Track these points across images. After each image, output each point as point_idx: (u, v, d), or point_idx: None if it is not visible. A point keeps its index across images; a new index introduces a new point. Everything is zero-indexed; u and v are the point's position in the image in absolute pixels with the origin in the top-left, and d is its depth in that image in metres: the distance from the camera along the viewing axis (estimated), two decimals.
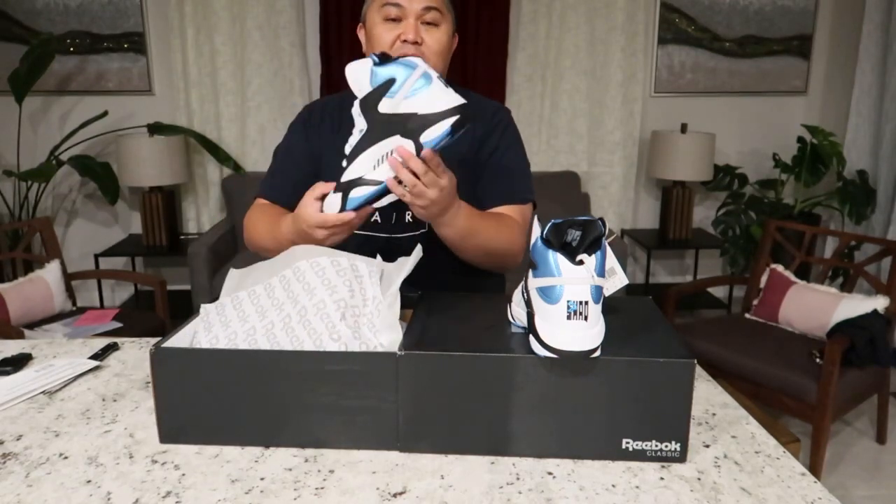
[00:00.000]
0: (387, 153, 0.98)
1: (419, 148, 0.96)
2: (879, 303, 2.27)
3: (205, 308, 1.00)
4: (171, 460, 0.87)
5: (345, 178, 1.02)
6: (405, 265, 0.97)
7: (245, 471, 0.85)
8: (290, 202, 1.21)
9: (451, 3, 1.27)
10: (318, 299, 0.92)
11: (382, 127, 0.98)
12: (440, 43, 1.23)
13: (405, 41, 1.19)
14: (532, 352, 0.84)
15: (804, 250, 2.64)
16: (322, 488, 0.81)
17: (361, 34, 1.29)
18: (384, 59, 1.00)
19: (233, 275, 1.07)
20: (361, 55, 1.25)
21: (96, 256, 3.28)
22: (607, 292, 0.97)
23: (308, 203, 1.06)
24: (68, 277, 2.68)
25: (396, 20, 1.21)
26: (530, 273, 0.83)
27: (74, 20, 3.39)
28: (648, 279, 3.65)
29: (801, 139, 3.35)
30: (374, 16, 1.23)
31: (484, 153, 1.30)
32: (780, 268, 2.58)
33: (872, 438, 2.50)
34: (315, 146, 1.33)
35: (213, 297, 2.14)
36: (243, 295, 0.98)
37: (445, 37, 1.24)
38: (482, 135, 1.30)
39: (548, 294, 0.79)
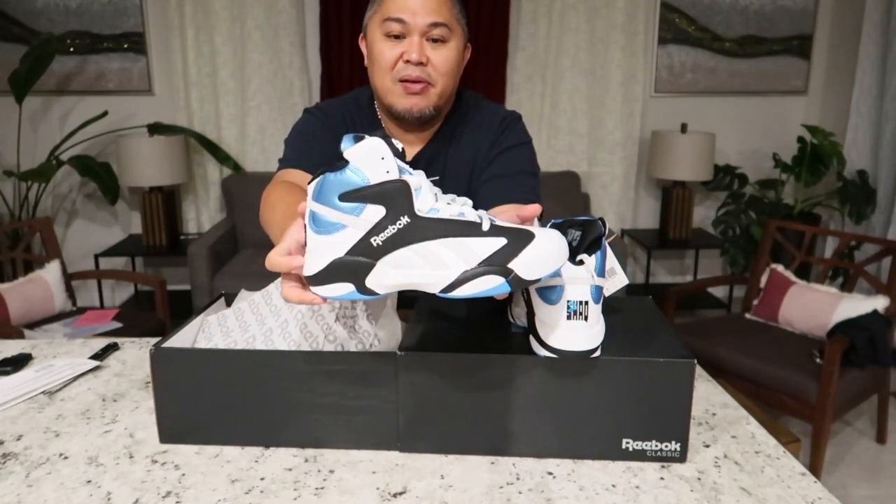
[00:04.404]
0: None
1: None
2: (879, 303, 2.27)
3: (207, 320, 1.01)
4: (171, 460, 0.87)
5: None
6: None
7: (245, 471, 0.85)
8: (317, 168, 1.13)
9: (461, 12, 1.16)
10: None
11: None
12: (448, 62, 1.13)
13: (408, 62, 1.10)
14: (532, 352, 0.84)
15: (804, 250, 2.64)
16: (322, 488, 0.81)
17: (363, 45, 1.19)
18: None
19: (242, 295, 1.07)
20: (361, 57, 1.22)
21: (96, 256, 3.28)
22: (607, 292, 0.97)
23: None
24: (68, 277, 2.68)
25: (400, 36, 1.11)
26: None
27: (74, 20, 3.39)
28: (648, 279, 3.65)
29: (801, 139, 3.36)
30: (376, 31, 1.13)
31: (489, 157, 1.24)
32: (780, 268, 2.58)
33: (872, 438, 2.50)
34: (339, 144, 1.24)
35: (213, 297, 2.15)
36: (244, 306, 0.99)
37: (454, 53, 1.14)
38: (490, 143, 1.24)
39: (548, 294, 0.79)
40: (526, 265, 0.69)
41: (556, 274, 0.77)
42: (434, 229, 0.70)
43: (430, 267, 0.70)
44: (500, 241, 0.69)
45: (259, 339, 0.94)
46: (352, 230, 0.70)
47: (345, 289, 0.71)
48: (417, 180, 0.71)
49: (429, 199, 0.71)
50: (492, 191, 1.20)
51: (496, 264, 0.69)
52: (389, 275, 0.70)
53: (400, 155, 0.73)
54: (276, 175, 1.19)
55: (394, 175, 0.70)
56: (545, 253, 0.69)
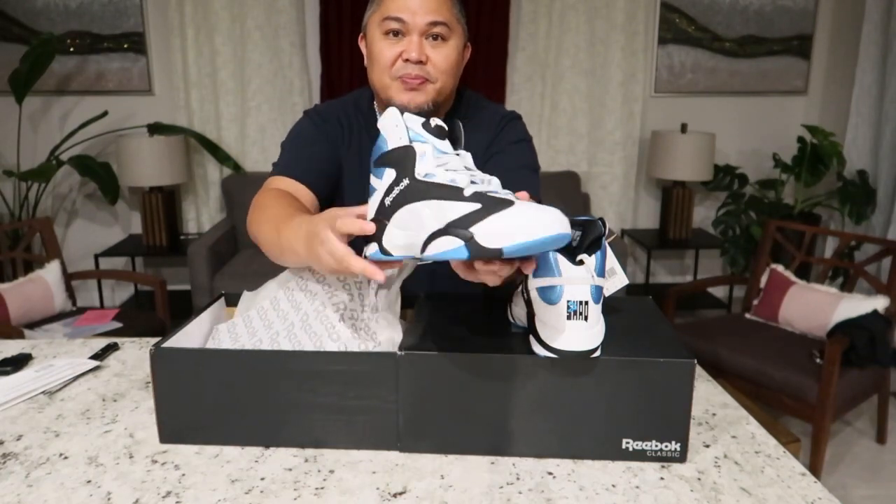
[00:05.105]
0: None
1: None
2: (879, 303, 2.27)
3: (217, 328, 1.01)
4: (171, 460, 0.87)
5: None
6: (405, 268, 0.98)
7: (245, 471, 0.85)
8: (309, 178, 1.15)
9: (461, 12, 1.16)
10: (318, 303, 0.93)
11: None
12: (448, 60, 1.12)
13: (407, 60, 1.10)
14: (532, 352, 0.84)
15: (804, 250, 2.64)
16: (322, 488, 0.81)
17: (362, 45, 1.19)
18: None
19: (245, 297, 1.07)
20: (361, 57, 1.22)
21: (96, 256, 3.28)
22: (607, 292, 0.97)
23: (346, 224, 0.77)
24: (68, 277, 2.68)
25: (399, 35, 1.11)
26: (530, 273, 0.83)
27: (74, 20, 3.39)
28: (648, 279, 3.65)
29: (801, 139, 3.36)
30: (375, 30, 1.13)
31: (489, 155, 1.24)
32: (780, 268, 2.58)
33: (872, 438, 2.50)
34: (335, 148, 1.23)
35: (213, 297, 2.15)
36: (253, 314, 0.99)
37: (454, 52, 1.13)
38: (490, 141, 1.24)
39: (548, 294, 0.79)
40: (486, 232, 0.64)
41: (530, 250, 0.64)
42: (424, 192, 0.71)
43: (415, 228, 0.71)
44: (473, 206, 0.66)
45: (266, 343, 0.94)
46: (378, 192, 0.76)
47: (374, 248, 0.76)
48: (423, 147, 0.74)
49: (429, 164, 0.73)
50: None
51: (460, 227, 0.66)
52: (395, 235, 0.73)
53: (433, 130, 0.77)
54: (266, 181, 1.20)
55: (404, 141, 0.75)
56: (514, 223, 0.63)
